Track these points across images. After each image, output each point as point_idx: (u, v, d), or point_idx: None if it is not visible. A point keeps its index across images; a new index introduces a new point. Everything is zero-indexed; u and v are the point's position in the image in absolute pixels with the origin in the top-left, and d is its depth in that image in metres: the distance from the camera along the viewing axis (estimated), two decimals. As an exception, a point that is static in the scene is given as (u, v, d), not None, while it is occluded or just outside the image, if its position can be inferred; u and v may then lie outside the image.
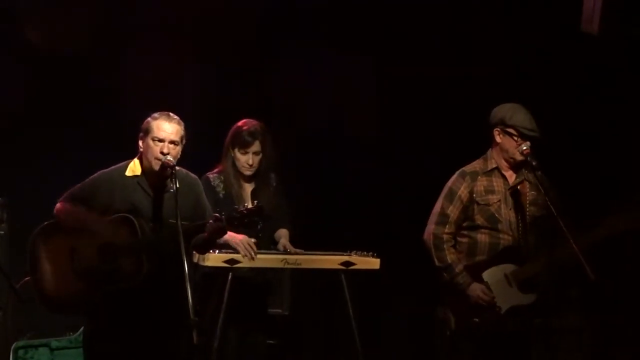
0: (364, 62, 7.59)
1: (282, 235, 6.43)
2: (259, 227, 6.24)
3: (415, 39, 7.58)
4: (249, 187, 6.42)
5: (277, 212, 6.43)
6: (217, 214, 5.36)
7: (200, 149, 6.73)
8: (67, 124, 7.44)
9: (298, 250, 6.34)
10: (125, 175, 5.50)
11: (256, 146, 6.33)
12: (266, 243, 6.39)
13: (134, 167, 5.52)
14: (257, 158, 6.34)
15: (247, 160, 6.34)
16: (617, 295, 7.23)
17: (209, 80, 7.62)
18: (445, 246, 5.97)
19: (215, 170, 6.40)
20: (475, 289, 5.90)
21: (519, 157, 5.93)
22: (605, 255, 5.85)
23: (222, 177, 6.38)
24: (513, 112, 5.93)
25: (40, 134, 7.44)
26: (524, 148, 5.88)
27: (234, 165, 6.37)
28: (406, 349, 7.65)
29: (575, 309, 7.24)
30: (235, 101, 7.53)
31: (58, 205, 5.52)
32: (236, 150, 6.36)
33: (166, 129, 5.44)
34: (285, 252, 6.33)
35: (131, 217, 5.36)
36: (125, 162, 5.55)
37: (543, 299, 5.93)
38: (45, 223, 5.53)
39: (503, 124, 5.95)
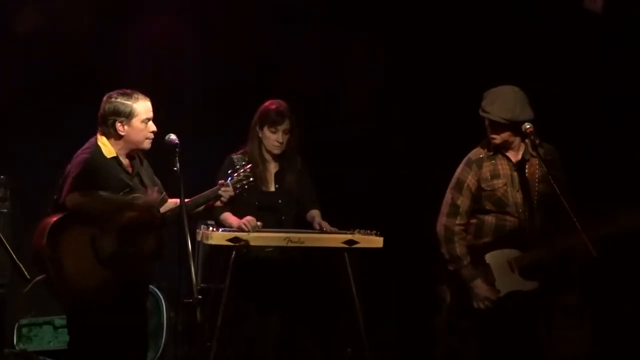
0: (367, 38, 7.59)
1: (315, 215, 6.43)
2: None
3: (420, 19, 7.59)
4: (273, 169, 6.44)
5: (305, 194, 6.46)
6: (222, 180, 5.51)
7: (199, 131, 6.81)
8: (67, 100, 7.42)
9: (333, 229, 6.32)
10: (107, 158, 5.51)
11: (286, 124, 6.34)
12: (290, 224, 6.39)
13: (108, 149, 5.51)
14: (286, 137, 6.35)
15: (277, 138, 6.34)
16: (618, 273, 7.25)
17: (209, 61, 7.62)
18: (455, 238, 5.96)
19: (240, 151, 6.40)
20: (481, 286, 5.88)
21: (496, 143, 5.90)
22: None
23: (247, 158, 6.35)
24: (493, 100, 5.86)
25: (41, 110, 7.43)
26: (527, 127, 5.84)
27: (260, 145, 6.37)
28: (408, 328, 7.66)
29: (576, 287, 7.25)
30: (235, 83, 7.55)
31: (69, 198, 5.40)
32: (265, 128, 6.35)
33: (150, 107, 5.51)
34: (322, 230, 6.29)
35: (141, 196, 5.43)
36: (92, 145, 5.50)
37: (546, 281, 5.93)
38: (54, 221, 5.40)
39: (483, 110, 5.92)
